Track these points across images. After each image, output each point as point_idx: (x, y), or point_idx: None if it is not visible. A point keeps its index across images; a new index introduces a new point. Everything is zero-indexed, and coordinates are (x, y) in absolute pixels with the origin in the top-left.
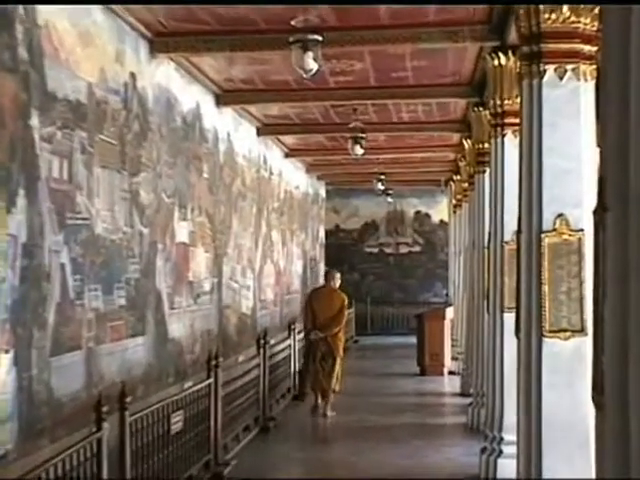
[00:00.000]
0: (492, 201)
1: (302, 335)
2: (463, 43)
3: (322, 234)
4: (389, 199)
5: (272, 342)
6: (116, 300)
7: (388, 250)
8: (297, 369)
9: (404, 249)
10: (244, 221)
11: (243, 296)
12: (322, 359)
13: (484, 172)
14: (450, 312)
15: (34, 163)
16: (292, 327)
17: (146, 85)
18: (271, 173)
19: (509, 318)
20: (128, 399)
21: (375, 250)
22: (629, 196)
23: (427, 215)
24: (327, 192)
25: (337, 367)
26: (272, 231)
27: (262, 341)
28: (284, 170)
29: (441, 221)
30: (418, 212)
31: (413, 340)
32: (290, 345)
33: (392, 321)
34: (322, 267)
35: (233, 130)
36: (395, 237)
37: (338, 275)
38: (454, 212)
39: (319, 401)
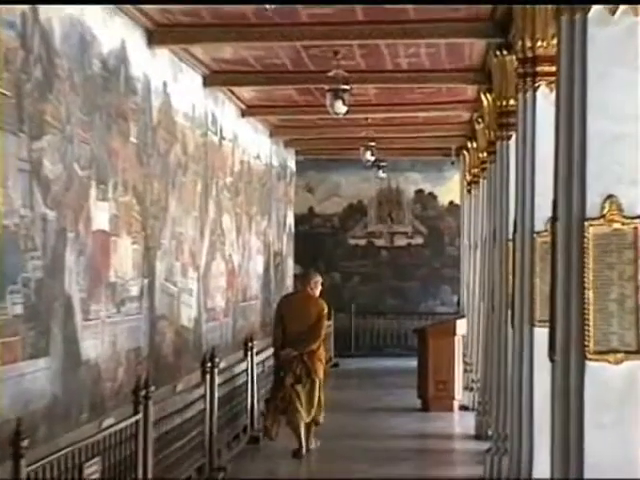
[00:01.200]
0: (519, 177)
1: (265, 356)
2: None
3: (291, 220)
4: (381, 174)
5: (223, 365)
6: (9, 308)
7: (379, 242)
8: (258, 400)
9: (401, 241)
10: (185, 202)
11: (183, 303)
12: (297, 383)
13: (509, 138)
14: (462, 326)
15: None
16: (250, 345)
17: (52, 17)
18: (222, 137)
19: (541, 335)
20: (24, 443)
21: (362, 242)
22: None
23: (432, 196)
24: (298, 164)
25: (317, 392)
26: (223, 216)
27: (209, 364)
28: (240, 134)
29: (451, 203)
30: (420, 191)
31: (412, 363)
32: (247, 369)
33: (384, 338)
34: (290, 265)
35: (171, 79)
36: (389, 225)
37: (319, 279)
38: (468, 192)
39: (302, 439)
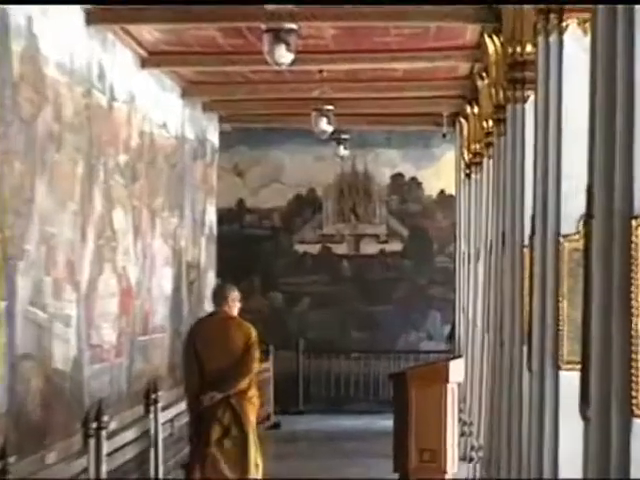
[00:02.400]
0: (540, 156)
1: (176, 411)
2: None
3: (212, 218)
4: (342, 151)
5: (114, 426)
6: None
7: (339, 249)
8: (166, 474)
9: (370, 247)
10: (60, 190)
11: (57, 337)
12: (225, 436)
13: (524, 100)
14: (457, 370)
15: None
16: (153, 397)
17: None
18: (113, 98)
19: (569, 381)
20: None
21: (314, 249)
22: None
23: (415, 182)
24: (223, 136)
25: (251, 447)
26: (115, 210)
27: (94, 424)
28: (139, 93)
29: (442, 194)
30: (398, 176)
31: (387, 424)
32: (150, 432)
33: (346, 387)
34: (211, 280)
35: (39, 14)
36: (353, 224)
37: (235, 293)
38: (467, 177)
39: None
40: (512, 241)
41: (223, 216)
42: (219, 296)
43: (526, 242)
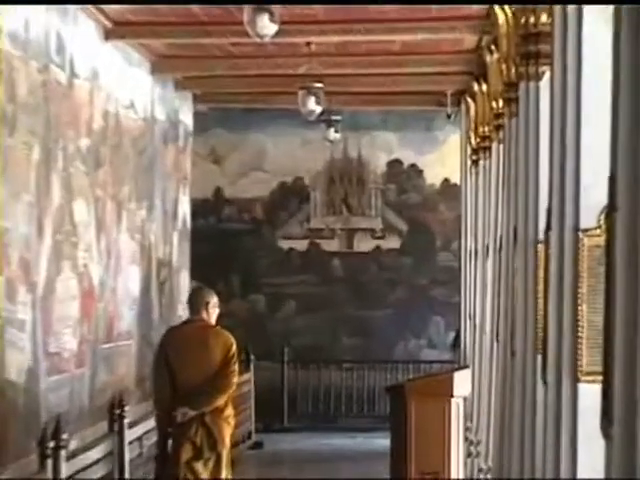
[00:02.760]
0: (557, 140)
1: (144, 429)
2: None
3: (186, 210)
4: (333, 134)
5: (74, 445)
6: None
7: (330, 246)
8: None
9: (365, 244)
10: (13, 179)
11: (9, 344)
12: (196, 459)
13: (539, 76)
14: (463, 382)
15: None
16: (118, 413)
17: None
18: (74, 75)
19: (590, 394)
20: None
21: (301, 245)
22: None
23: (415, 170)
24: (198, 118)
25: (224, 471)
26: (75, 201)
27: (51, 443)
28: (103, 69)
29: (445, 183)
30: (396, 163)
31: (383, 443)
32: (114, 452)
33: (337, 402)
34: (185, 281)
35: None
36: (345, 217)
37: (215, 299)
38: (474, 164)
39: None
40: (525, 236)
41: (198, 208)
42: (196, 302)
43: (541, 237)
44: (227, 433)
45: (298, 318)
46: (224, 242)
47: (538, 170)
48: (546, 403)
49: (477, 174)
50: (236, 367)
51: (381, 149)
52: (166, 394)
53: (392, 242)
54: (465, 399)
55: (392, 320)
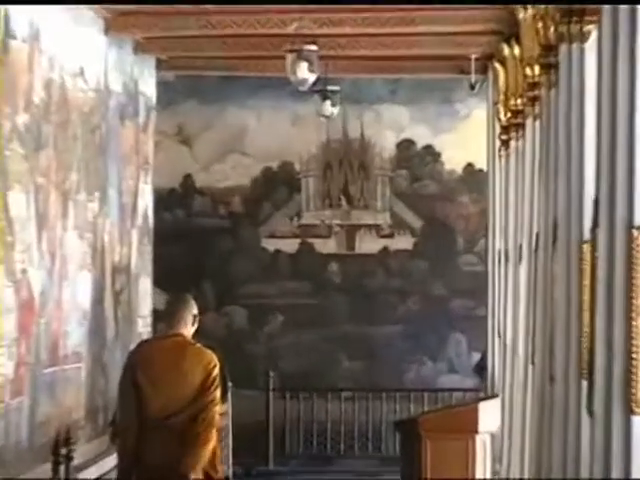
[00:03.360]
0: (605, 115)
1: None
2: None
3: (148, 202)
4: (330, 108)
5: None
6: None
7: (326, 246)
8: None
9: (370, 244)
10: None
11: None
12: None
13: (583, 38)
14: (490, 415)
15: None
16: (65, 452)
17: None
18: (9, 35)
19: None
20: None
21: (290, 246)
22: None
23: (431, 153)
24: (163, 88)
25: None
26: (11, 191)
27: None
28: (45, 28)
29: (469, 168)
30: (407, 144)
31: None
32: None
33: (336, 439)
34: (146, 290)
35: None
36: (346, 211)
37: (193, 309)
38: (503, 145)
39: None
40: (567, 235)
41: (163, 200)
42: (180, 314)
43: (587, 236)
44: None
45: (287, 336)
46: (195, 242)
47: (582, 152)
48: (593, 438)
49: (507, 157)
50: (217, 394)
51: (389, 127)
52: (133, 425)
53: (403, 242)
54: (493, 436)
55: (403, 338)
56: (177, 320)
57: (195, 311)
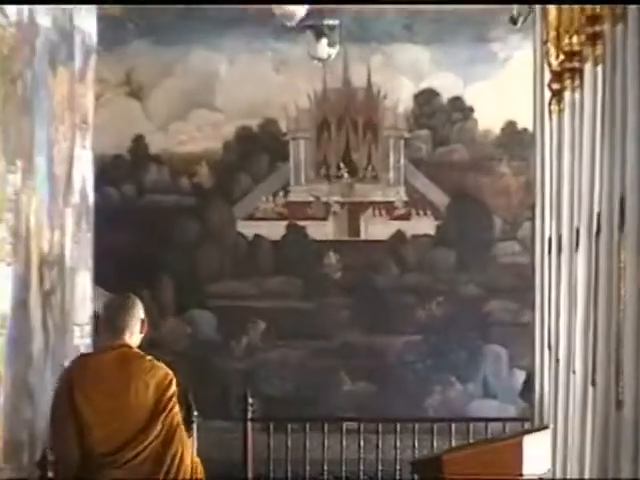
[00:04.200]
0: None
1: None
2: None
3: (87, 173)
4: (326, 48)
5: None
6: None
7: (321, 231)
8: None
9: (378, 227)
10: None
11: None
12: None
13: None
14: (539, 451)
15: None
16: None
17: None
18: None
19: None
20: None
21: (275, 231)
22: None
23: (459, 106)
24: (107, 23)
25: None
26: None
27: None
28: None
29: (509, 128)
30: (428, 96)
31: None
32: None
33: None
34: (86, 289)
35: None
36: (347, 184)
37: (140, 313)
38: (554, 97)
39: None
40: (638, 217)
41: (107, 171)
42: (124, 319)
43: None
44: None
45: (270, 349)
46: (149, 226)
47: None
48: None
49: (560, 114)
50: (178, 416)
51: (404, 73)
52: (72, 456)
53: (423, 225)
54: (542, 479)
55: (423, 353)
56: (120, 328)
57: (142, 314)
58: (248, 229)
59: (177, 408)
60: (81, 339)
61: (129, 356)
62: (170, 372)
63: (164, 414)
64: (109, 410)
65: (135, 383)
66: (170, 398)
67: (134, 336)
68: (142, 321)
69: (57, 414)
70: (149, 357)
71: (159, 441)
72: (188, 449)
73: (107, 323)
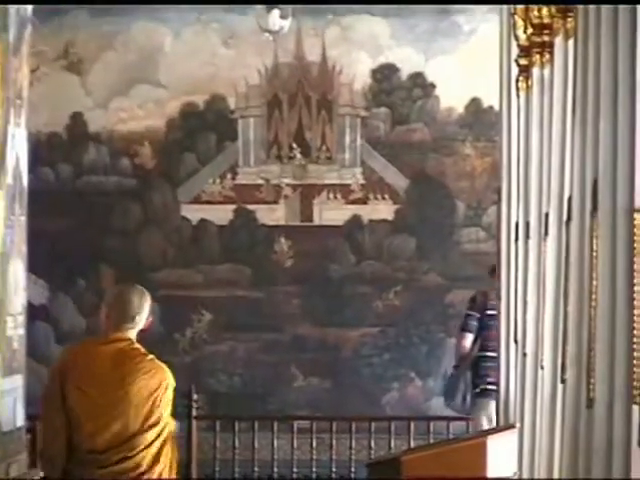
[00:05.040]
0: None
1: None
2: None
3: (21, 153)
4: (277, 20)
5: None
6: None
7: (271, 216)
8: None
9: (333, 212)
10: None
11: None
12: None
13: None
14: (504, 452)
15: None
16: None
17: None
18: None
19: None
20: None
21: (222, 215)
22: None
23: (421, 82)
24: None
25: None
26: None
27: None
28: None
29: (473, 105)
30: (388, 71)
31: None
32: None
33: None
34: (19, 279)
35: None
36: (300, 165)
37: (146, 302)
38: (522, 73)
39: None
40: (612, 200)
41: (42, 150)
42: (134, 307)
43: (639, 203)
44: None
45: (217, 342)
46: (87, 210)
47: (635, 85)
48: None
49: (528, 91)
50: (169, 427)
51: (362, 47)
52: (59, 451)
53: (381, 210)
54: None
55: (379, 346)
56: (131, 317)
57: (145, 305)
58: (193, 213)
59: (169, 418)
60: (14, 330)
61: (127, 353)
62: (167, 377)
63: (156, 427)
64: (101, 404)
65: (129, 382)
66: (164, 407)
67: (137, 328)
68: (145, 309)
69: (47, 405)
70: (150, 356)
71: (147, 454)
72: (174, 463)
73: (117, 311)
